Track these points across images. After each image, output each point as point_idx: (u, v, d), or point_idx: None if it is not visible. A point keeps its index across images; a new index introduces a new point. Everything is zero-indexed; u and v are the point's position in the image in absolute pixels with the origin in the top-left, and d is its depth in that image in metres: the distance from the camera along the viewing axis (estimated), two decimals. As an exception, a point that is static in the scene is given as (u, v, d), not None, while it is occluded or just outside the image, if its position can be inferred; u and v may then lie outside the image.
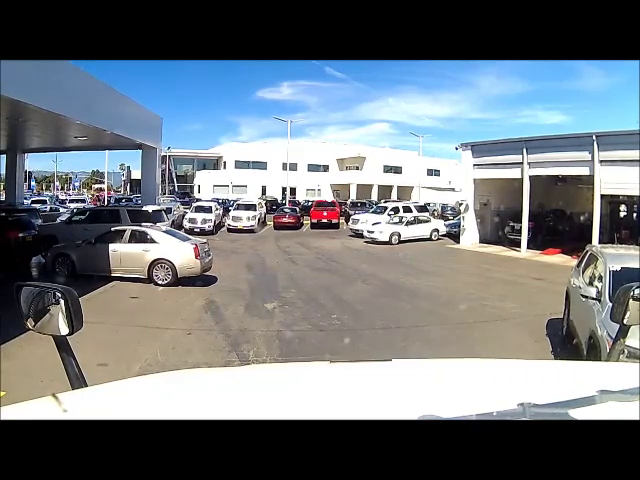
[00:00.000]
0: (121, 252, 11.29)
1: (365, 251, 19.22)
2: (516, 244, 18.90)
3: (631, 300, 1.61)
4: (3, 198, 25.67)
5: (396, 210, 24.51)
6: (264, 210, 29.51)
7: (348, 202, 36.90)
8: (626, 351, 3.53)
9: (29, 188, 48.30)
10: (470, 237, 21.21)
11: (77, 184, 73.23)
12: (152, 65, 79.68)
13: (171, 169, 52.23)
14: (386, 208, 25.57)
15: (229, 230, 24.25)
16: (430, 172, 52.50)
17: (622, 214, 18.75)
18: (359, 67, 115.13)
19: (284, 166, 40.33)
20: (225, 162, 54.63)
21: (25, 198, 29.11)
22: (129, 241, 11.51)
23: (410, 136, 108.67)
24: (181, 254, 11.13)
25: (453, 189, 44.00)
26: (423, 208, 26.60)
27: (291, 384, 1.35)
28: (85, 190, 68.35)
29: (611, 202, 17.71)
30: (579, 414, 0.92)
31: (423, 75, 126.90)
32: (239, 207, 26.40)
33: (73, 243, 12.02)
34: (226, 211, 27.89)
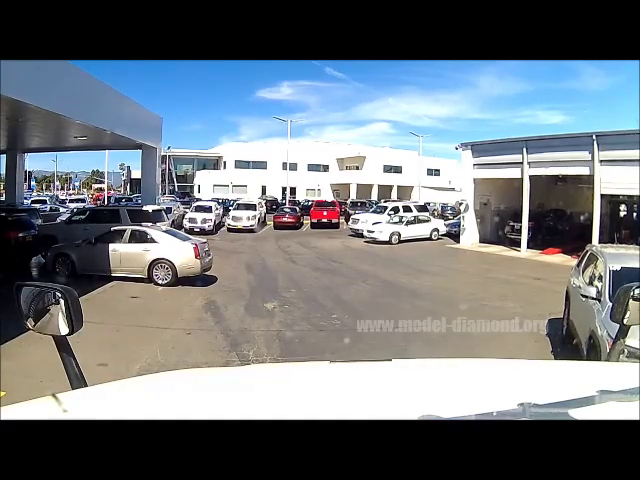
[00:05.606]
0: (121, 252, 11.28)
1: (365, 251, 19.20)
2: (516, 244, 18.88)
3: (631, 300, 1.62)
4: (3, 198, 25.65)
5: (396, 210, 24.49)
6: (264, 210, 29.50)
7: (348, 202, 36.81)
8: (626, 351, 3.53)
9: (29, 188, 48.21)
10: (470, 237, 21.20)
11: (77, 184, 73.23)
12: (152, 65, 79.45)
13: (171, 169, 52.17)
14: (386, 208, 25.52)
15: (229, 230, 24.23)
16: (430, 172, 52.40)
17: (622, 214, 18.72)
18: (359, 67, 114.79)
19: (284, 166, 40.28)
20: (225, 162, 54.58)
21: (25, 198, 29.08)
22: (129, 241, 11.51)
23: (410, 136, 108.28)
24: (181, 254, 11.12)
25: (453, 189, 43.90)
26: (423, 208, 26.57)
27: (291, 384, 1.35)
28: (85, 190, 68.33)
29: (611, 202, 17.69)
30: (579, 414, 0.92)
31: (423, 75, 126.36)
32: (239, 207, 26.39)
33: (73, 243, 12.01)
34: (226, 211, 27.86)
